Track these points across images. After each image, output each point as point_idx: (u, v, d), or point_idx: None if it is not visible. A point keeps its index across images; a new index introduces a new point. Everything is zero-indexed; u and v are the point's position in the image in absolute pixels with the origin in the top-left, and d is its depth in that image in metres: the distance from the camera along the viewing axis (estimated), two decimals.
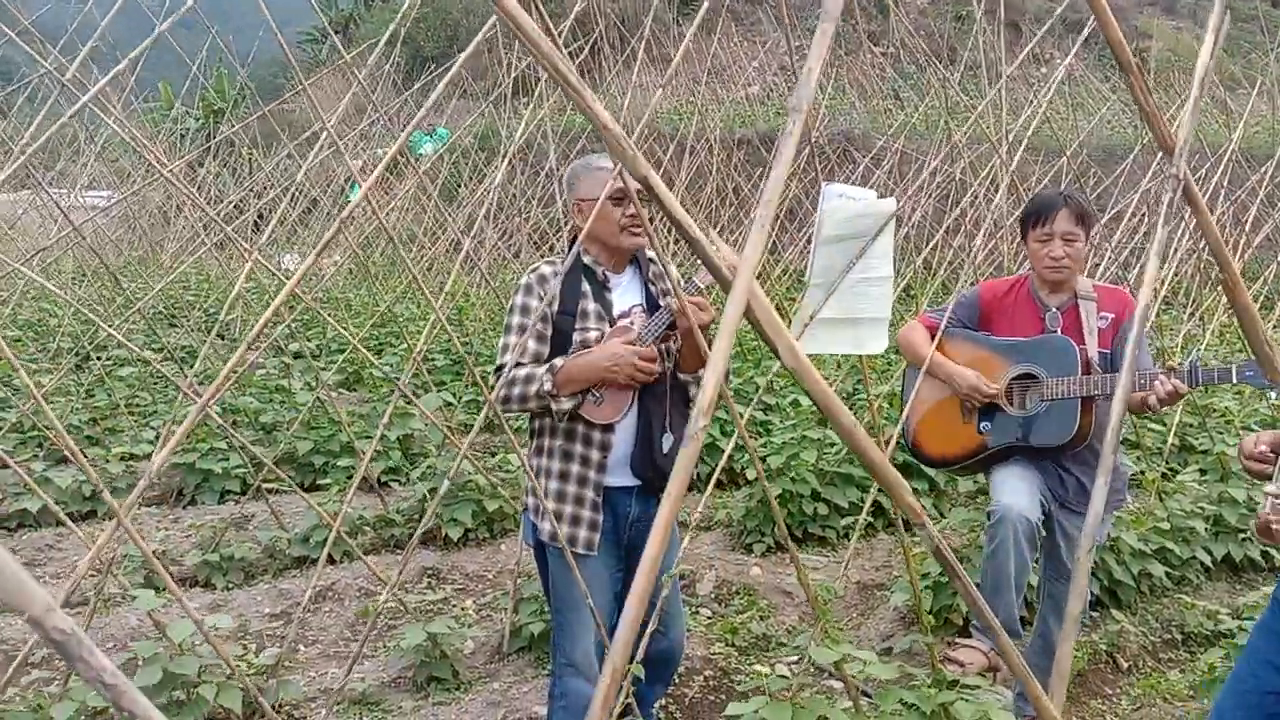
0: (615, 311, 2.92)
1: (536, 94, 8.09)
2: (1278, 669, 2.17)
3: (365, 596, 4.64)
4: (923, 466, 5.42)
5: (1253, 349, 1.06)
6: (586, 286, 2.92)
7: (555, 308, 2.88)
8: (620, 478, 2.90)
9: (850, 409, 5.76)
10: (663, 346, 2.87)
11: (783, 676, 3.37)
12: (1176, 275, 9.14)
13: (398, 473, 6.15)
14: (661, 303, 2.90)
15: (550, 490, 2.88)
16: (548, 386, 2.75)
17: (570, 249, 2.95)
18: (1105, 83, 17.02)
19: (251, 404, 6.57)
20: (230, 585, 4.72)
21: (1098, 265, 6.32)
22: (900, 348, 3.54)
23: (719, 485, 6.14)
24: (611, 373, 2.75)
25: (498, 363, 2.89)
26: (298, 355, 8.38)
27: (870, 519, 5.40)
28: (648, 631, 2.62)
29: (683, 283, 2.89)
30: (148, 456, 5.49)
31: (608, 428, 2.85)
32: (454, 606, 4.67)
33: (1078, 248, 3.34)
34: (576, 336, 2.86)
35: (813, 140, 8.80)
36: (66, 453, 5.32)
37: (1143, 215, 7.52)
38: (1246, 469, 2.19)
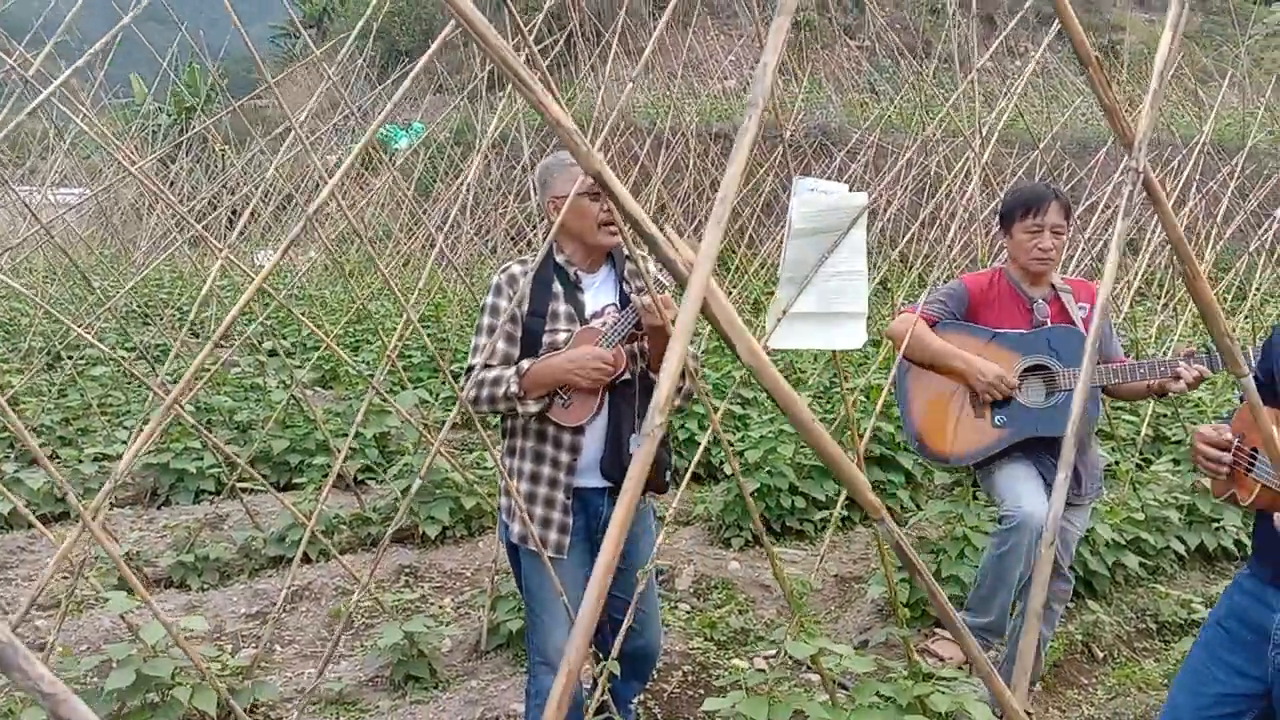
0: (588, 312, 2.90)
1: (509, 88, 8.05)
2: (1234, 669, 2.18)
3: (342, 595, 4.61)
4: (900, 455, 5.49)
5: (1214, 341, 1.06)
6: (558, 287, 2.90)
7: (525, 308, 2.87)
8: (591, 479, 2.89)
9: (828, 403, 5.75)
10: (632, 347, 2.86)
11: (760, 671, 3.39)
12: (1149, 267, 9.23)
13: (375, 471, 6.13)
14: (633, 300, 2.89)
15: (521, 491, 2.87)
16: (514, 389, 2.74)
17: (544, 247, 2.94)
18: (1080, 76, 17.12)
19: (226, 403, 6.51)
20: (205, 586, 4.68)
21: (1071, 257, 6.36)
22: (897, 342, 3.45)
23: (696, 479, 6.14)
24: (574, 375, 2.74)
25: (468, 363, 2.88)
26: (272, 353, 8.32)
27: (846, 512, 5.43)
28: (622, 628, 2.61)
29: (655, 275, 2.89)
30: (120, 456, 5.43)
31: (577, 430, 2.84)
32: (432, 604, 4.65)
33: (1062, 240, 3.38)
34: (546, 338, 2.84)
35: (787, 135, 8.81)
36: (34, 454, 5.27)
37: (1116, 207, 7.56)
38: (1202, 454, 2.20)
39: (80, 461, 5.78)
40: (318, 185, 14.65)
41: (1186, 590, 4.68)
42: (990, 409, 3.40)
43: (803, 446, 5.35)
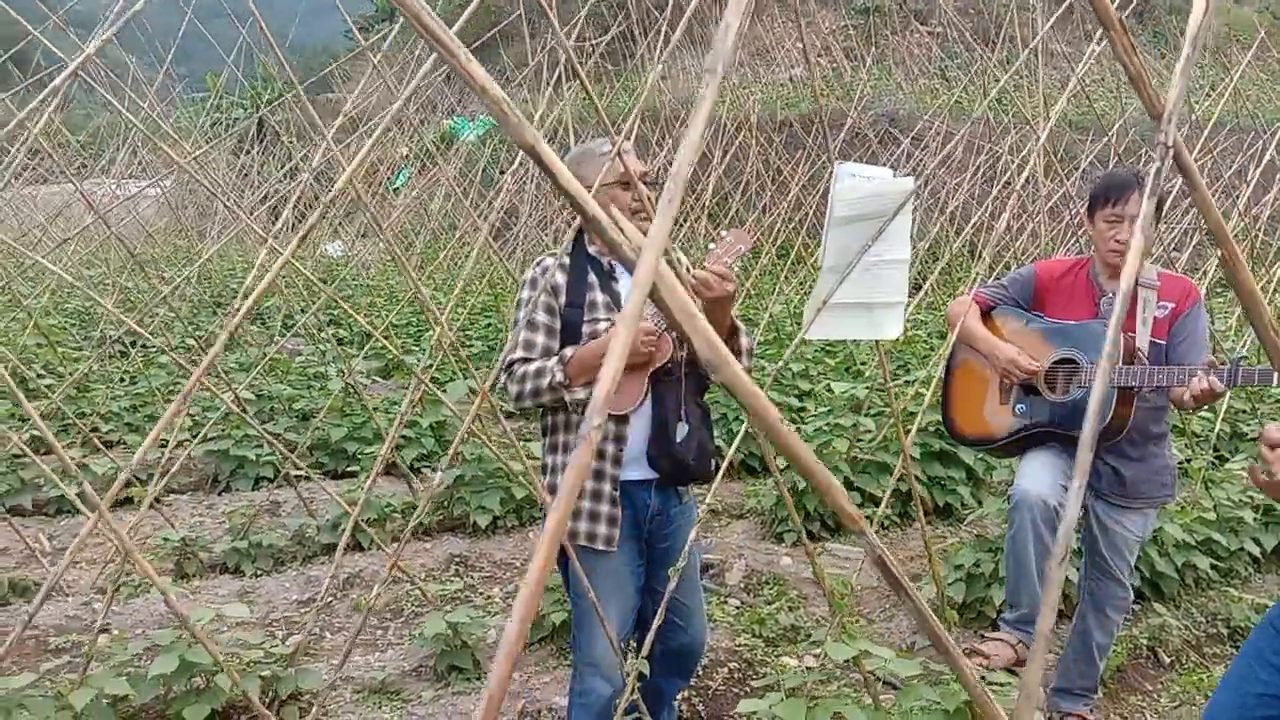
0: (624, 300, 2.85)
1: (555, 77, 8.01)
2: (1277, 669, 2.06)
3: (394, 584, 4.62)
4: (961, 450, 5.34)
5: (1257, 335, 0.96)
6: (593, 277, 2.85)
7: (562, 301, 2.82)
8: (637, 471, 2.83)
9: (882, 395, 5.59)
10: (674, 334, 2.80)
11: (809, 669, 3.31)
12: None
13: (431, 459, 6.15)
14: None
15: None
16: (559, 377, 2.69)
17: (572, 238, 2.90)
18: (1160, 60, 16.58)
19: (286, 391, 6.59)
20: (259, 572, 4.74)
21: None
22: (949, 322, 3.47)
23: (751, 472, 6.05)
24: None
25: (506, 360, 2.82)
26: (341, 342, 8.42)
27: (905, 508, 5.30)
28: (653, 626, 2.55)
29: (714, 246, 2.81)
30: (181, 444, 5.53)
31: (622, 419, 2.78)
32: (480, 594, 4.65)
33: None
34: (586, 329, 2.79)
35: (849, 123, 8.64)
36: (95, 440, 5.37)
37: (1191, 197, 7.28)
38: (1265, 459, 2.05)
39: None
40: (386, 178, 14.83)
41: (1261, 594, 4.48)
42: (1014, 396, 3.31)
43: (859, 441, 5.23)
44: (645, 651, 2.49)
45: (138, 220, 12.16)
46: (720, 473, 2.63)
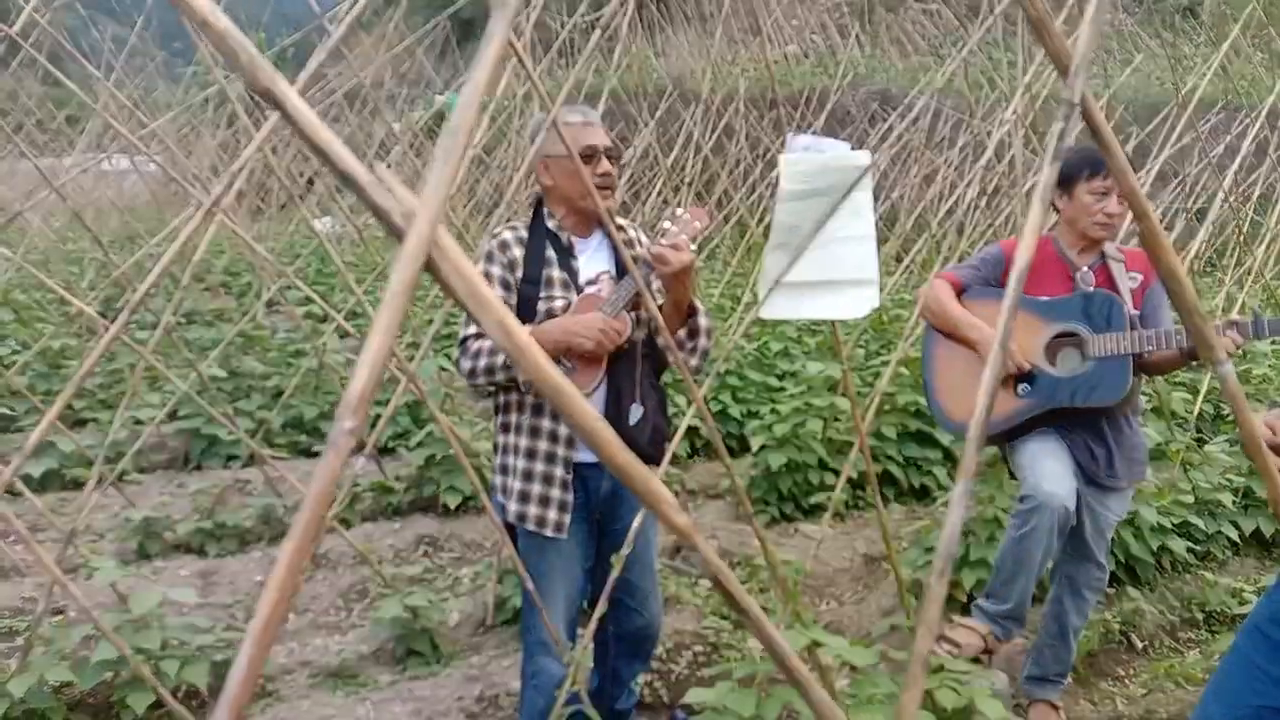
0: (582, 278, 2.77)
1: (551, 51, 7.88)
2: (1275, 680, 1.98)
3: (360, 565, 4.55)
4: (938, 431, 5.26)
5: (1181, 318, 0.88)
6: (551, 253, 2.76)
7: (519, 275, 2.74)
8: (590, 453, 2.76)
9: (870, 375, 5.49)
10: (632, 314, 2.72)
11: (763, 659, 3.24)
12: (1221, 237, 8.78)
13: (406, 438, 6.06)
14: (632, 266, 2.74)
15: (518, 469, 2.75)
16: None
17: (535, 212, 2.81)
18: (1155, 39, 16.42)
19: (259, 368, 6.50)
20: (223, 553, 4.66)
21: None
22: (924, 309, 3.34)
23: (729, 451, 5.96)
24: (579, 339, 2.60)
25: (461, 335, 2.74)
26: (325, 319, 8.31)
27: (881, 490, 5.23)
28: (595, 612, 2.48)
29: (668, 223, 2.72)
30: (153, 421, 5.45)
31: None
32: (450, 575, 4.58)
33: (1125, 208, 3.16)
34: (541, 305, 2.71)
35: (831, 102, 8.51)
36: (44, 415, 5.27)
37: (1184, 175, 7.18)
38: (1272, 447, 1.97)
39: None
40: (378, 151, 14.69)
41: (1238, 578, 4.42)
42: (1013, 378, 3.20)
43: (835, 420, 5.16)
44: (589, 634, 2.42)
45: (124, 194, 12.05)
46: (668, 456, 2.54)
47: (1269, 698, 1.99)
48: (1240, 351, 2.99)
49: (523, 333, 0.60)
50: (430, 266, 0.57)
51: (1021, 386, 3.21)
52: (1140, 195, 0.83)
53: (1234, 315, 2.96)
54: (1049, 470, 3.10)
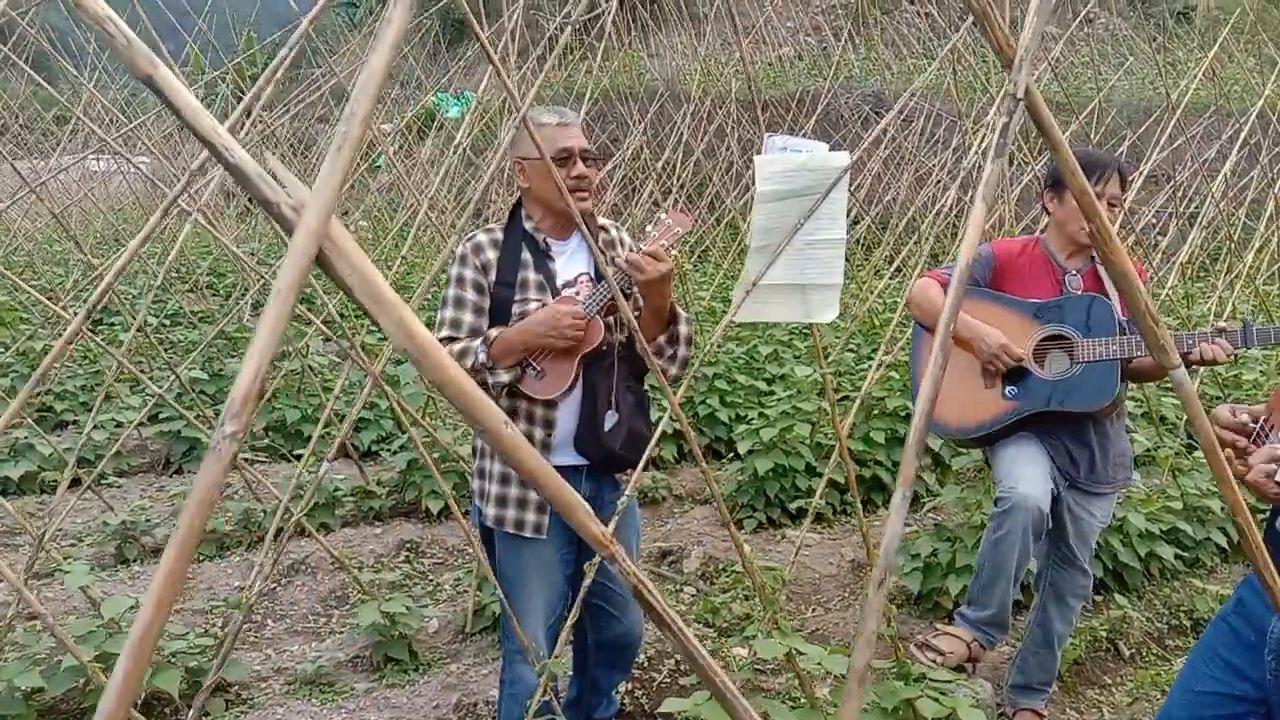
0: (560, 281, 2.73)
1: (534, 55, 7.83)
2: (1233, 669, 1.95)
3: (340, 570, 4.51)
4: (931, 438, 5.22)
5: (1134, 318, 0.84)
6: (527, 255, 2.72)
7: (493, 278, 2.69)
8: (567, 457, 2.72)
9: (857, 378, 5.45)
10: (609, 319, 2.68)
11: (753, 662, 3.20)
12: (1214, 241, 8.75)
13: (389, 441, 6.02)
14: (608, 270, 2.70)
15: (494, 473, 2.72)
16: (482, 358, 2.57)
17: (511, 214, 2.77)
18: (1152, 43, 16.41)
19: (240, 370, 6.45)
20: (201, 557, 4.61)
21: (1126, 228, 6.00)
22: (912, 307, 3.29)
23: (716, 455, 5.93)
24: (547, 338, 2.56)
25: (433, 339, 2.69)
26: (307, 323, 8.25)
27: (870, 496, 5.20)
28: (569, 619, 2.44)
29: (650, 229, 2.69)
30: (131, 424, 5.39)
31: (550, 404, 2.66)
32: (431, 581, 4.53)
33: (1117, 214, 3.16)
34: (515, 308, 2.66)
35: (822, 105, 8.47)
36: (20, 417, 5.21)
37: (1176, 181, 7.15)
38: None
39: (98, 427, 5.75)
40: (367, 153, 14.64)
41: (1227, 585, 4.38)
42: (1001, 380, 3.17)
43: (821, 426, 5.12)
44: (561, 641, 2.37)
45: (111, 195, 11.98)
46: (643, 462, 2.50)
47: (1228, 685, 1.97)
48: (1232, 358, 2.94)
49: (426, 334, 0.56)
50: (322, 262, 0.53)
51: (1009, 389, 3.18)
52: (1090, 196, 0.79)
53: (1222, 323, 2.92)
54: (1023, 473, 3.08)
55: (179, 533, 0.49)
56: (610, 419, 2.68)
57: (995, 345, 3.12)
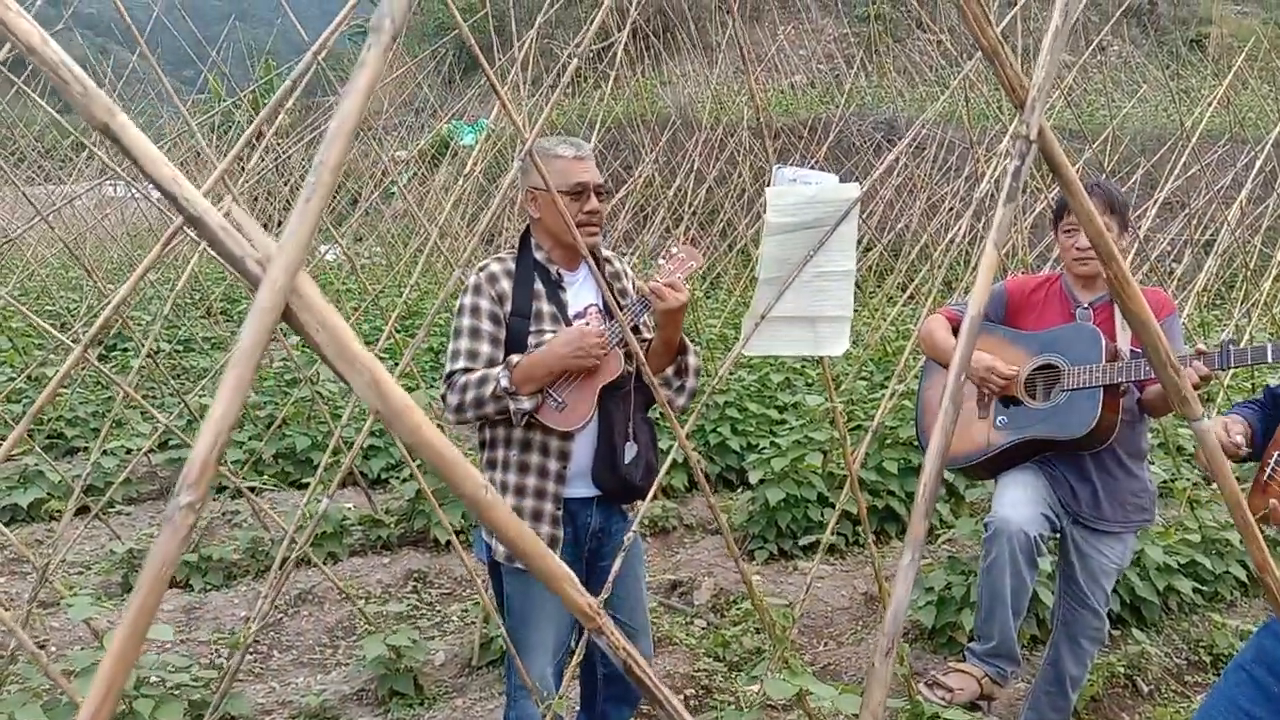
0: (571, 311, 2.71)
1: (545, 85, 7.86)
2: None
3: (346, 601, 4.47)
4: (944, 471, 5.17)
5: (1153, 369, 0.81)
6: (540, 285, 2.70)
7: (508, 308, 2.66)
8: (580, 488, 2.69)
9: (870, 407, 5.40)
10: (624, 351, 2.65)
11: (764, 699, 3.15)
12: (1230, 269, 8.68)
13: (399, 469, 5.99)
14: (623, 301, 2.68)
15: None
16: (504, 384, 2.52)
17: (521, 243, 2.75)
18: (1165, 70, 16.39)
19: (252, 397, 6.44)
20: (209, 587, 4.58)
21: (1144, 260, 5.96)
22: (923, 344, 3.33)
23: (728, 485, 5.88)
24: (574, 360, 2.53)
25: (447, 370, 2.65)
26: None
27: (881, 525, 5.14)
28: (576, 656, 2.39)
29: (662, 260, 2.67)
30: (140, 451, 5.38)
31: (566, 436, 2.63)
32: (439, 612, 4.49)
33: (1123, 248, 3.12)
34: (531, 339, 2.63)
35: (834, 132, 8.46)
36: (22, 445, 5.20)
37: (1192, 209, 7.09)
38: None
39: (106, 453, 5.74)
40: (380, 180, 14.72)
41: (1247, 620, 4.30)
42: (993, 409, 3.15)
43: (833, 456, 5.06)
44: (569, 674, 2.33)
45: (127, 221, 12.04)
46: (653, 490, 2.47)
47: None
48: (1207, 381, 2.89)
49: (400, 394, 0.53)
50: (289, 319, 0.50)
51: (1000, 418, 3.18)
52: (1107, 239, 0.76)
53: (1201, 345, 2.88)
54: (1010, 497, 3.08)
55: (129, 613, 0.46)
56: (630, 450, 2.66)
57: (982, 367, 3.12)
